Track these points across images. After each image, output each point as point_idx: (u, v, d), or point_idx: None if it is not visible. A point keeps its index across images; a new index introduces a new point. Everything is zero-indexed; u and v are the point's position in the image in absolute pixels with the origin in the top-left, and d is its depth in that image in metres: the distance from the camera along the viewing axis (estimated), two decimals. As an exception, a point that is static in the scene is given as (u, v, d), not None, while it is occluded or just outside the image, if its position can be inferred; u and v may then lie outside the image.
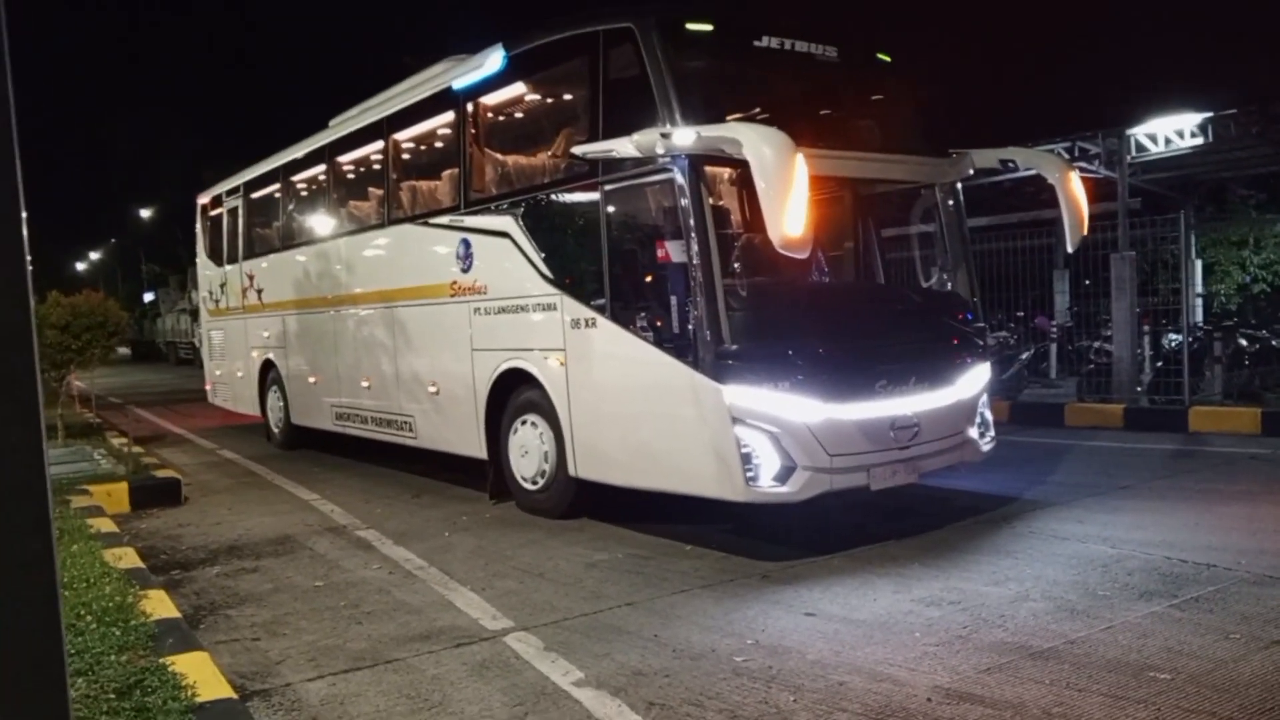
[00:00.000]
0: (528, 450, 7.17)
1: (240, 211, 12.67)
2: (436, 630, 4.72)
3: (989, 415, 6.92)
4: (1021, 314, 13.01)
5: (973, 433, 6.65)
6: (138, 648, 3.90)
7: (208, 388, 14.44)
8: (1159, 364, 11.53)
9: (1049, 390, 12.41)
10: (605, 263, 6.34)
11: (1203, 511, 6.52)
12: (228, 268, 13.08)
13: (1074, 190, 6.57)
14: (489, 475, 7.74)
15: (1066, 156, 10.95)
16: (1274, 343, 11.97)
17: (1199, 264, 13.28)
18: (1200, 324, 12.13)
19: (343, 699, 3.91)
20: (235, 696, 3.60)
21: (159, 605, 4.59)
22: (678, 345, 5.82)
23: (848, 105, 6.96)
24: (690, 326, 5.74)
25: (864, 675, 3.93)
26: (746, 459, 5.57)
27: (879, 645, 4.27)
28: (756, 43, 6.25)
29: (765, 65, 6.43)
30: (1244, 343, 11.81)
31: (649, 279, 6.16)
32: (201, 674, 3.67)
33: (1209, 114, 10.85)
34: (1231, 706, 3.49)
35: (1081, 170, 7.49)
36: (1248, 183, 15.28)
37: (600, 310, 6.37)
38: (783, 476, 5.63)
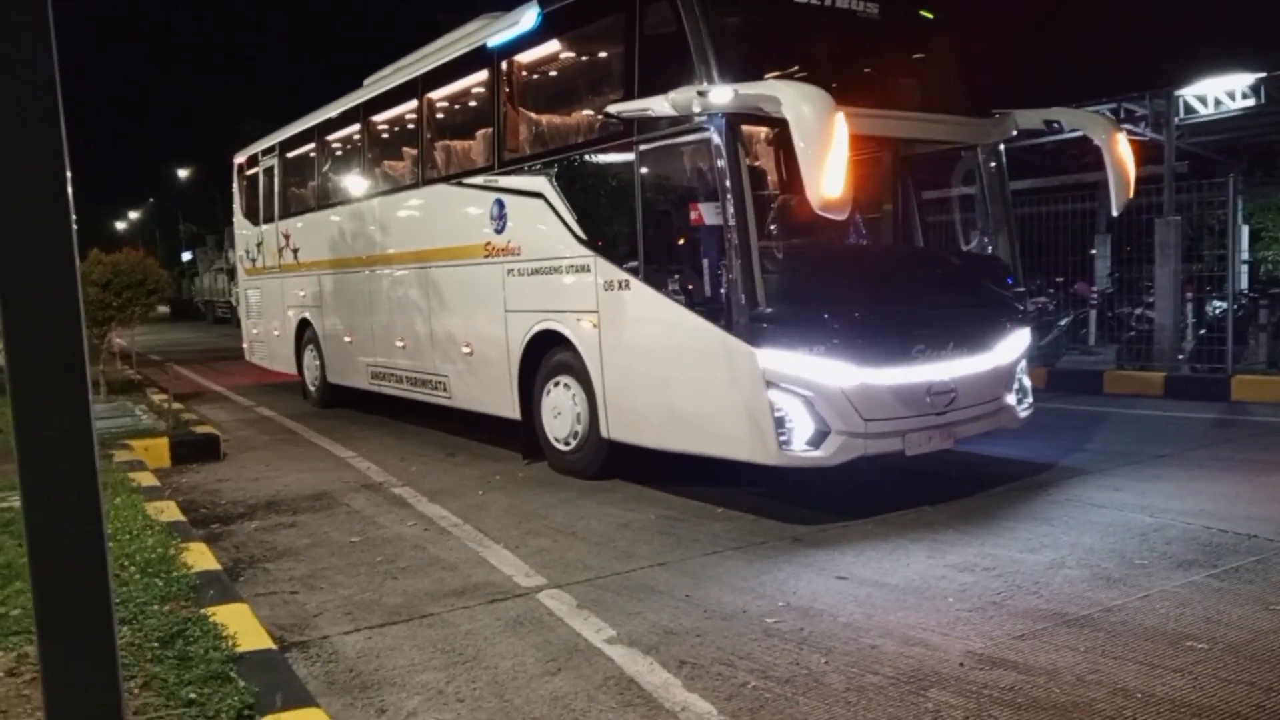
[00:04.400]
0: (560, 411, 7.19)
1: (276, 171, 12.72)
2: (471, 586, 4.78)
3: (1027, 382, 6.83)
4: (1061, 279, 12.78)
5: (1010, 399, 6.57)
6: (180, 598, 3.98)
7: (245, 346, 14.62)
8: (1202, 331, 11.30)
9: (1088, 357, 12.21)
10: (639, 224, 6.30)
11: (1244, 481, 6.41)
12: (264, 227, 13.17)
13: (1121, 152, 6.42)
14: (522, 435, 7.78)
15: (1112, 118, 10.68)
16: (1322, 311, 11.67)
17: (1246, 230, 12.95)
18: (1246, 291, 11.85)
19: (379, 652, 3.98)
20: (275, 647, 3.67)
21: (200, 558, 4.68)
22: (711, 308, 5.78)
23: (889, 63, 6.82)
24: (724, 289, 5.69)
25: (896, 639, 3.93)
26: (780, 423, 5.55)
27: (911, 610, 4.26)
28: (796, -1, 6.12)
29: (804, 22, 6.30)
30: (1290, 311, 11.53)
31: (683, 240, 6.11)
32: (242, 625, 3.74)
33: (1262, 74, 10.52)
34: (1271, 677, 3.45)
35: (1127, 132, 7.29)
36: (1300, 146, 14.84)
37: (634, 272, 6.34)
38: (816, 441, 5.61)
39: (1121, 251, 12.90)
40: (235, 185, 14.54)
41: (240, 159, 14.20)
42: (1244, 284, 12.27)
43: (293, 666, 3.76)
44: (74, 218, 1.58)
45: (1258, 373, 10.26)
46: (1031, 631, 3.95)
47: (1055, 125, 7.28)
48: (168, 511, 5.64)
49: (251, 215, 13.80)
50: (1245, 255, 12.72)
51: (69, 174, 1.57)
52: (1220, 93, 10.89)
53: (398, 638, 4.14)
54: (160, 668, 3.25)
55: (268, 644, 3.66)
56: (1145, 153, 10.86)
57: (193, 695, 3.02)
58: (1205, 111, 11.16)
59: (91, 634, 1.50)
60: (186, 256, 52.09)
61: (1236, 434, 8.22)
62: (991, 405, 6.42)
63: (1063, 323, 12.45)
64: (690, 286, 5.93)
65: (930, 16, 7.01)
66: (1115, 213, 6.69)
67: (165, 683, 3.13)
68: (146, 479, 6.74)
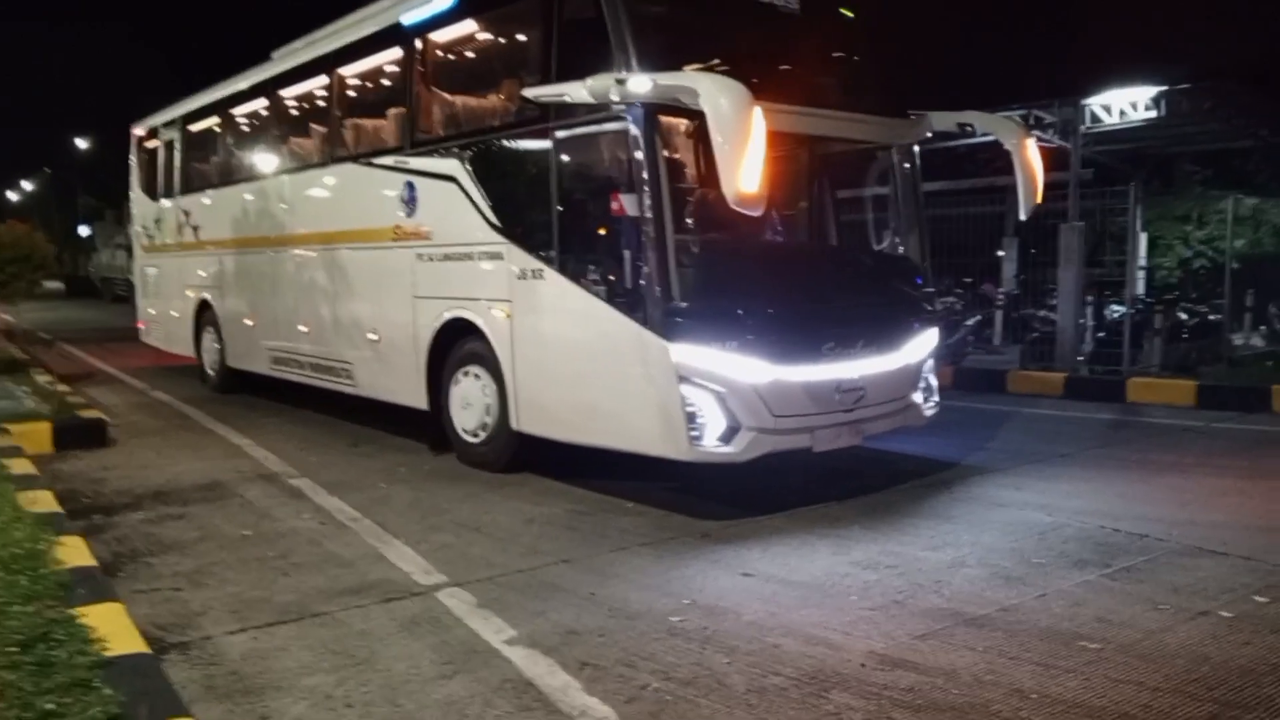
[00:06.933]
0: (469, 402, 7.01)
1: (177, 145, 12.17)
2: (367, 584, 4.60)
3: (934, 380, 6.92)
4: (969, 280, 13.06)
5: (917, 397, 6.66)
6: (46, 597, 3.70)
7: (140, 327, 13.98)
8: (1100, 335, 11.68)
9: (993, 357, 12.53)
10: (554, 212, 6.16)
11: (1138, 482, 6.62)
12: (163, 203, 12.59)
13: (1030, 158, 6.54)
14: (429, 426, 7.58)
15: (1023, 124, 10.91)
16: (1211, 317, 12.20)
17: (1144, 237, 13.44)
18: (1142, 296, 12.30)
19: (265, 653, 3.78)
20: (149, 651, 3.44)
21: (73, 552, 4.37)
22: (626, 300, 5.68)
23: (808, 60, 6.81)
24: (639, 281, 5.60)
25: (799, 638, 3.90)
26: (691, 418, 5.49)
27: (815, 608, 4.25)
28: (718, -11, 6.06)
29: (726, 14, 6.25)
30: (1183, 316, 12.02)
31: (599, 231, 6.00)
32: (114, 626, 3.49)
33: (1164, 87, 10.89)
34: (1158, 677, 3.52)
35: (1036, 139, 7.44)
36: (1196, 158, 15.48)
37: (548, 261, 6.20)
38: (727, 436, 5.57)
39: (1027, 254, 13.26)
40: (133, 158, 13.87)
41: (139, 130, 13.55)
42: (1141, 289, 12.73)
43: (169, 670, 3.54)
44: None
45: (1152, 375, 10.65)
46: (931, 631, 3.97)
47: (968, 128, 7.40)
48: (42, 501, 5.28)
49: (150, 190, 13.18)
50: (1143, 262, 13.20)
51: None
52: (1125, 103, 11.24)
53: (286, 638, 3.95)
54: (16, 674, 3.00)
55: (141, 647, 3.42)
56: (1051, 159, 11.16)
57: (50, 706, 2.79)
58: (1110, 121, 11.49)
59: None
60: (85, 231, 49.74)
61: (1131, 435, 8.50)
62: (899, 403, 6.49)
63: (969, 323, 12.73)
64: (604, 278, 5.83)
65: (851, 15, 7.03)
66: (1024, 217, 6.80)
67: (21, 691, 2.89)
68: (23, 466, 6.33)
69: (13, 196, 62.22)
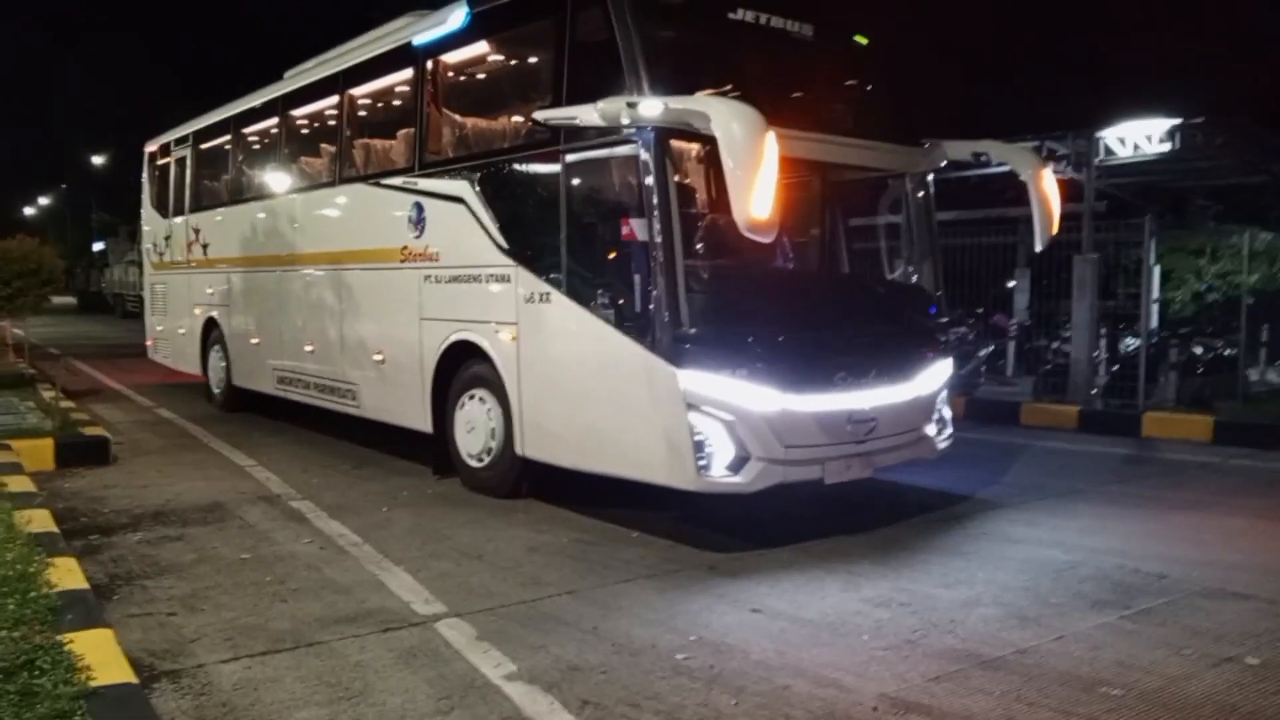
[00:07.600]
0: (474, 426, 6.92)
1: (188, 162, 12.18)
2: (365, 612, 4.49)
3: (948, 413, 6.80)
4: (981, 311, 12.95)
5: (930, 429, 6.53)
6: (35, 622, 3.61)
7: (148, 343, 13.95)
8: (1115, 368, 11.53)
9: (1005, 388, 12.38)
10: (563, 235, 6.09)
11: (1155, 519, 6.47)
12: (174, 220, 12.59)
13: (1046, 189, 6.45)
14: (433, 450, 7.48)
15: (1038, 155, 10.83)
16: (1226, 352, 12.04)
17: (1157, 270, 13.32)
18: (1157, 330, 12.16)
19: (257, 684, 3.67)
20: (135, 681, 3.33)
21: (66, 575, 4.29)
22: (634, 325, 5.59)
23: (822, 86, 6.75)
24: (648, 307, 5.51)
25: (809, 679, 3.77)
26: (699, 447, 5.38)
27: (825, 647, 4.12)
28: (731, 15, 6.01)
29: (739, 39, 6.18)
30: (1198, 351, 11.87)
31: (608, 255, 5.92)
32: (102, 654, 3.40)
33: (1178, 121, 10.81)
34: (1183, 727, 3.39)
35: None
36: (1208, 193, 15.36)
37: (556, 285, 6.12)
38: (736, 466, 5.45)
39: (1040, 286, 13.13)
40: (145, 175, 13.89)
41: (152, 148, 13.58)
42: (1155, 323, 12.59)
43: (159, 700, 3.45)
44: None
45: (1167, 410, 10.50)
46: (946, 673, 3.84)
47: (983, 158, 7.33)
48: (38, 520, 5.21)
49: (161, 207, 13.19)
50: (1156, 295, 13.07)
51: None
52: (1139, 137, 11.15)
53: (280, 668, 3.84)
54: (-3, 705, 2.91)
55: (128, 677, 3.31)
56: (1063, 191, 11.05)
57: (29, 738, 2.69)
58: (1124, 154, 11.40)
59: None
60: (98, 246, 50.00)
61: (1147, 470, 8.34)
62: (911, 435, 6.36)
63: (982, 354, 12.60)
64: (613, 302, 5.74)
65: (865, 42, 6.97)
66: (1039, 248, 6.70)
67: (0, 723, 2.80)
68: (21, 483, 6.27)
69: (29, 211, 62.66)
